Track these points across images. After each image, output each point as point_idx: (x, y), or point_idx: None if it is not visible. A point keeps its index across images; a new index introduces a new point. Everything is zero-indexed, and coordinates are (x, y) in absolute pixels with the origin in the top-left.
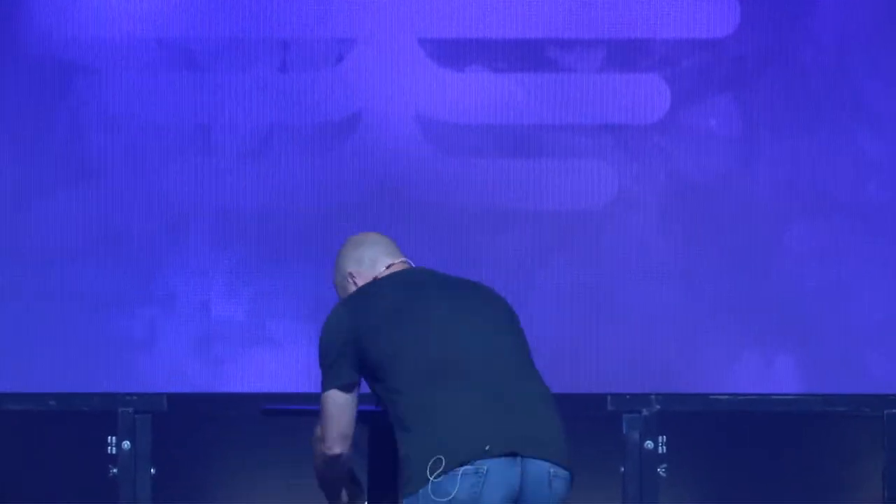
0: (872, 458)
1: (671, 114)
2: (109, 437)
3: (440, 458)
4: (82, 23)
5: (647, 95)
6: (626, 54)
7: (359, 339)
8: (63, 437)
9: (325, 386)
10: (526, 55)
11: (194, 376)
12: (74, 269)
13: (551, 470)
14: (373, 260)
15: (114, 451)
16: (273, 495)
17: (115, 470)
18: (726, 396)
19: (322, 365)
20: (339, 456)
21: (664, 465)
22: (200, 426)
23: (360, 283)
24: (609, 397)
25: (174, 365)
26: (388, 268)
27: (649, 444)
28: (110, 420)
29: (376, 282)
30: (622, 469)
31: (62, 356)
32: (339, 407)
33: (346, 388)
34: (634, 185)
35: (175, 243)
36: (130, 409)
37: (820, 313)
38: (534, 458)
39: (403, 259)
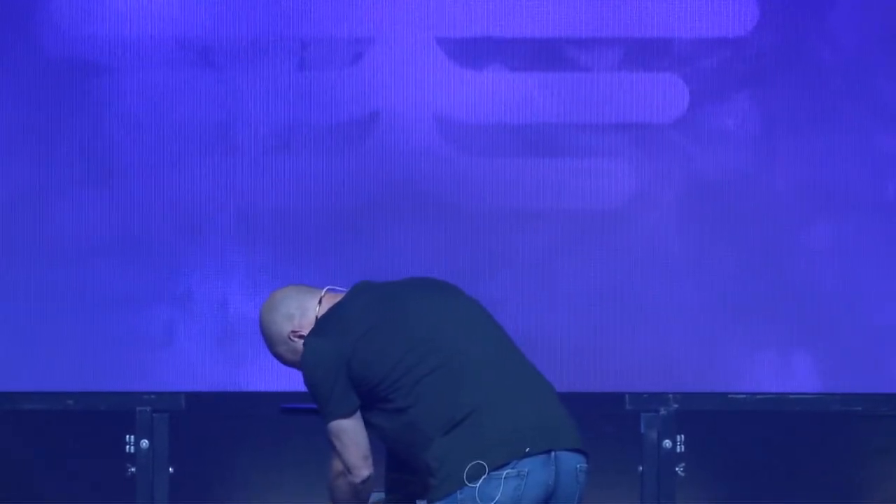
0: (891, 458)
1: (689, 113)
2: (127, 436)
3: (481, 464)
4: (101, 22)
5: (665, 94)
6: (645, 53)
7: (349, 362)
8: (81, 436)
9: (330, 417)
10: (544, 54)
11: (212, 375)
12: (93, 269)
13: (578, 465)
14: (301, 307)
15: (132, 450)
16: (291, 494)
17: (133, 469)
18: (744, 395)
19: (319, 399)
20: (368, 478)
21: (682, 465)
22: (219, 425)
23: (305, 333)
24: (627, 396)
25: (192, 364)
26: (320, 303)
27: (667, 443)
28: (128, 419)
29: (335, 307)
30: (640, 468)
31: (80, 355)
32: (353, 432)
33: (351, 414)
34: (652, 184)
35: (194, 242)
36: (148, 408)
37: (838, 312)
38: (564, 449)
39: (326, 288)
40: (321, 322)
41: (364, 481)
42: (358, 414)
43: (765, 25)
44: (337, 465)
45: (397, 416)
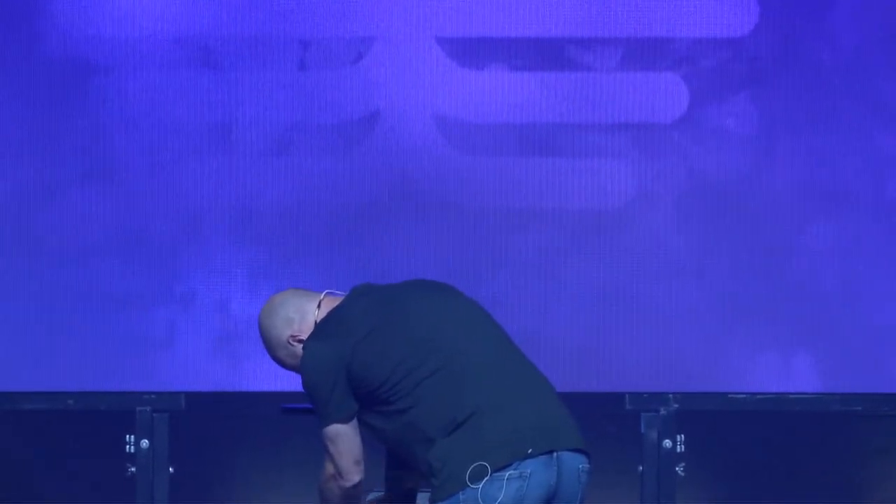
0: (891, 458)
1: (689, 112)
2: (128, 436)
3: (484, 465)
4: (102, 22)
5: (665, 94)
6: (645, 53)
7: (349, 366)
8: (81, 436)
9: (326, 421)
10: (544, 54)
11: (212, 375)
12: (94, 268)
13: (580, 465)
14: (300, 311)
15: (132, 450)
16: (291, 494)
17: (133, 468)
18: (744, 395)
19: (316, 403)
20: (358, 483)
21: (682, 464)
22: (219, 425)
23: (305, 337)
24: (627, 396)
25: (193, 364)
26: (319, 307)
27: (667, 442)
28: (128, 419)
29: (334, 311)
30: (640, 468)
31: (81, 355)
32: (348, 437)
33: (348, 419)
34: (653, 184)
35: (194, 242)
36: (148, 408)
37: (838, 312)
38: (566, 450)
39: (325, 291)
40: (320, 326)
41: (355, 486)
42: (354, 419)
43: (764, 26)
44: (329, 468)
45: (398, 417)
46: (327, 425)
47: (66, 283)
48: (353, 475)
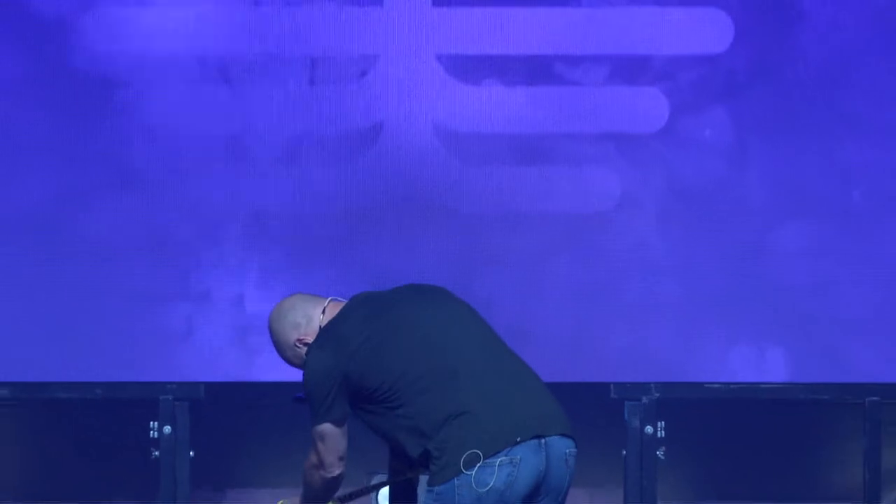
0: (854, 443)
1: (670, 124)
2: (151, 423)
3: (476, 453)
4: (124, 40)
5: (647, 107)
6: (628, 69)
7: (347, 375)
8: (109, 423)
9: (318, 420)
10: (536, 70)
11: (230, 366)
12: (120, 268)
13: (567, 450)
14: (306, 316)
15: (155, 436)
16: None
17: (156, 453)
18: (720, 385)
19: (313, 404)
20: (339, 476)
21: (663, 449)
22: (236, 413)
23: (310, 340)
24: (612, 386)
25: (211, 356)
26: (323, 312)
27: (649, 429)
28: (152, 407)
29: (334, 320)
30: (624, 452)
31: (108, 348)
32: (336, 437)
33: (340, 423)
34: (636, 190)
35: (212, 243)
36: (170, 397)
37: (807, 308)
38: (553, 435)
39: (330, 298)
40: (323, 333)
41: (334, 478)
42: (345, 422)
43: (739, 43)
44: (313, 459)
45: (396, 414)
46: (319, 424)
47: (94, 282)
48: (335, 469)
